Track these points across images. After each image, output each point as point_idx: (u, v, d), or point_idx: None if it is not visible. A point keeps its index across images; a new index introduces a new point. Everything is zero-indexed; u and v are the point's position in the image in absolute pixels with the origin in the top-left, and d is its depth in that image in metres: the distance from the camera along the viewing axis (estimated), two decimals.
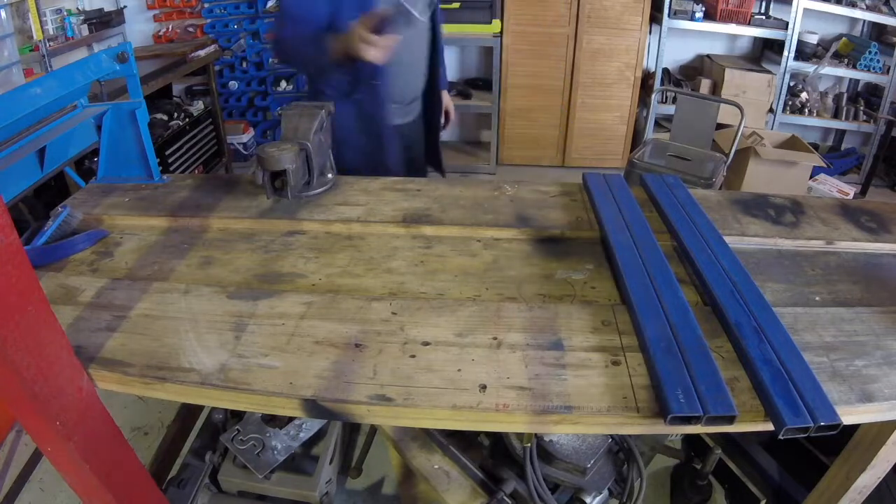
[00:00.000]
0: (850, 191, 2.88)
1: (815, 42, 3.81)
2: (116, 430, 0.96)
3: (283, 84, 4.07)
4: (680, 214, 1.26)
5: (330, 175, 1.46)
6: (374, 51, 1.35)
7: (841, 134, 4.25)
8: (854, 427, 1.09)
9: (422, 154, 1.96)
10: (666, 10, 3.61)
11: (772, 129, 3.83)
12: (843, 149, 4.23)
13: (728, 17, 3.66)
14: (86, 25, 3.27)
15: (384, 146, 1.72)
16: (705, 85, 3.83)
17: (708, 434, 1.50)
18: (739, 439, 1.49)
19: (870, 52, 3.65)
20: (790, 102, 3.89)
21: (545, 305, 1.02)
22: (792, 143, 3.39)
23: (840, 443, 1.13)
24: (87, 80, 1.31)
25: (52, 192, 2.48)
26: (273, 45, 1.64)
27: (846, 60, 3.78)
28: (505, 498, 1.24)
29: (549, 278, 1.12)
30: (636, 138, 4.01)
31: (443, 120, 2.00)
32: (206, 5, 3.89)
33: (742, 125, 2.66)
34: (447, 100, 2.00)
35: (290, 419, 1.48)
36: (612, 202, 1.32)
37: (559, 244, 1.20)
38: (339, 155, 1.61)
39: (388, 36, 1.37)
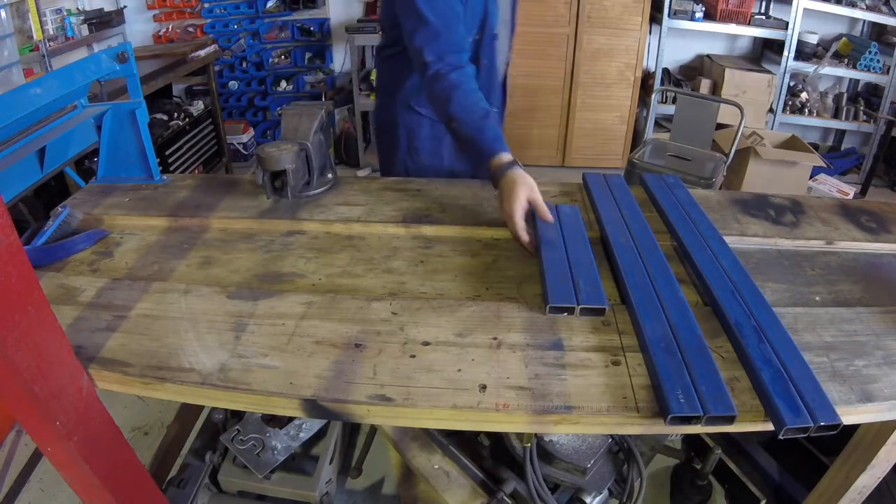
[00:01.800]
0: (850, 191, 2.88)
1: (815, 42, 3.81)
2: (116, 430, 0.96)
3: (283, 84, 4.08)
4: (680, 214, 1.26)
5: (330, 175, 1.46)
6: (522, 235, 1.13)
7: (841, 134, 4.25)
8: (854, 427, 1.09)
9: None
10: (666, 10, 3.61)
11: (772, 129, 3.83)
12: (843, 149, 4.23)
13: (728, 17, 3.67)
14: (86, 25, 3.27)
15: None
16: (705, 85, 3.83)
17: (708, 434, 1.50)
18: (739, 439, 1.49)
19: (870, 52, 3.65)
20: (790, 102, 3.89)
21: (545, 305, 1.02)
22: (792, 143, 3.39)
23: (840, 443, 1.13)
24: (87, 80, 1.31)
25: (52, 192, 2.48)
26: (419, 68, 1.27)
27: (846, 60, 3.78)
28: (505, 498, 1.24)
29: None
30: (636, 138, 4.01)
31: None
32: (206, 5, 3.89)
33: (742, 125, 2.66)
34: None
35: (290, 419, 1.48)
36: (612, 202, 1.32)
37: None
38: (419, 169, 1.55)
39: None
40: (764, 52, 4.02)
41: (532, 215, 1.17)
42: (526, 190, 1.13)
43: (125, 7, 3.66)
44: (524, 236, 1.12)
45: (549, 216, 1.15)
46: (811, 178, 3.13)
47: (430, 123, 1.53)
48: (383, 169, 1.69)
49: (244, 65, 4.06)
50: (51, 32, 3.03)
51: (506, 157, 1.18)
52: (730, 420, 0.79)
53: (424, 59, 1.23)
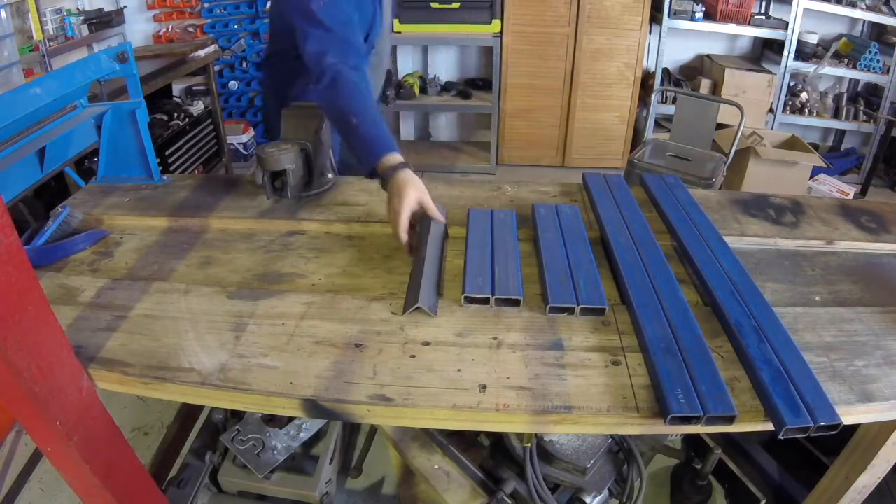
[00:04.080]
0: (850, 191, 2.88)
1: (815, 42, 3.81)
2: (116, 430, 0.96)
3: None
4: (680, 214, 1.26)
5: (330, 175, 1.46)
6: (402, 235, 1.15)
7: (841, 134, 4.25)
8: (854, 427, 1.09)
9: None
10: (666, 10, 3.61)
11: (772, 129, 3.83)
12: (843, 149, 4.23)
13: (728, 17, 3.66)
14: (86, 25, 3.27)
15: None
16: (705, 85, 3.83)
17: (708, 434, 1.50)
18: (739, 439, 1.49)
19: (870, 52, 3.65)
20: (790, 102, 3.89)
21: (545, 305, 1.02)
22: (792, 143, 3.39)
23: (840, 443, 1.13)
24: (87, 80, 1.31)
25: (52, 192, 2.48)
26: (314, 66, 1.29)
27: (846, 60, 3.78)
28: (505, 498, 1.24)
29: None
30: (636, 138, 4.01)
31: None
32: (206, 5, 3.89)
33: (742, 125, 2.66)
34: None
35: (290, 419, 1.48)
36: (612, 202, 1.32)
37: None
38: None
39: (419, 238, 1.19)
40: (764, 52, 4.02)
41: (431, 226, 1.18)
42: (416, 192, 1.15)
43: (125, 7, 3.66)
44: (404, 237, 1.13)
45: (440, 217, 1.19)
46: (811, 178, 3.13)
47: None
48: None
49: (244, 65, 4.06)
50: (51, 32, 3.03)
51: (397, 157, 1.20)
52: (730, 420, 0.79)
53: (328, 62, 1.27)
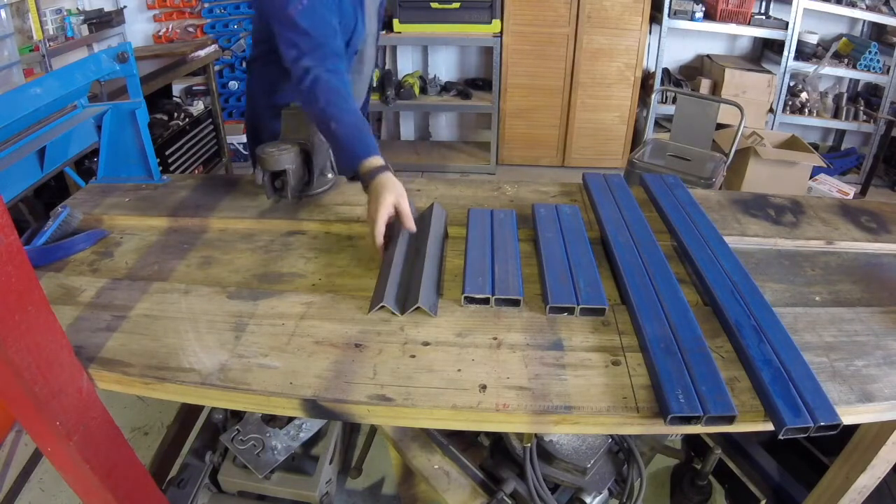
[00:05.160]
0: (850, 191, 2.88)
1: (815, 42, 3.81)
2: (116, 430, 0.96)
3: None
4: (680, 214, 1.26)
5: (330, 175, 1.46)
6: (378, 238, 1.15)
7: (841, 134, 4.25)
8: (854, 427, 1.09)
9: None
10: (666, 10, 3.61)
11: (772, 129, 3.83)
12: (843, 149, 4.23)
13: (728, 17, 3.67)
14: (86, 25, 3.27)
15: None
16: (705, 85, 3.83)
17: (708, 434, 1.50)
18: (739, 439, 1.49)
19: (870, 52, 3.65)
20: (790, 102, 3.89)
21: (545, 305, 1.02)
22: (792, 143, 3.39)
23: (840, 443, 1.13)
24: (87, 80, 1.31)
25: (52, 192, 2.48)
26: (298, 78, 1.27)
27: (846, 60, 3.78)
28: (505, 498, 1.24)
29: None
30: (636, 138, 4.01)
31: None
32: (206, 5, 3.89)
33: (742, 125, 2.66)
34: None
35: (290, 419, 1.48)
36: (612, 202, 1.32)
37: None
38: None
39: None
40: (764, 52, 4.02)
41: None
42: (393, 196, 1.14)
43: (125, 7, 3.66)
44: (379, 240, 1.13)
45: (412, 226, 1.17)
46: (811, 178, 3.13)
47: None
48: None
49: (244, 65, 4.06)
50: (51, 32, 3.03)
51: (378, 160, 1.20)
52: (730, 420, 0.79)
53: (305, 65, 1.26)
